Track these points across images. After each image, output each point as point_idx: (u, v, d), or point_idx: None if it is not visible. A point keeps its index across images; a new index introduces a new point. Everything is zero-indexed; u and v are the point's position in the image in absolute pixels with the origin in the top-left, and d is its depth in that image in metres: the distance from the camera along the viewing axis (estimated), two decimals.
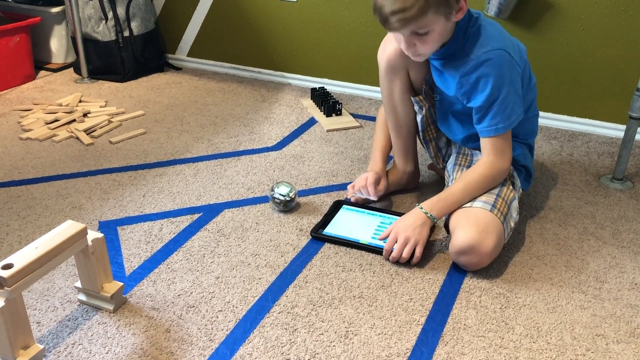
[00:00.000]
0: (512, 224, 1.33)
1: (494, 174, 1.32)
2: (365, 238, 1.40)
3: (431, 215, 1.32)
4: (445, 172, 1.51)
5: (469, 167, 1.43)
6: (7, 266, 0.98)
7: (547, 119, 2.06)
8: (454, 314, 1.18)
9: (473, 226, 1.25)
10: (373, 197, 1.50)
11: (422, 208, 1.33)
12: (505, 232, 1.30)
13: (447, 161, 1.55)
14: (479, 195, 1.32)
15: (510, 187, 1.37)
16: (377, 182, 1.50)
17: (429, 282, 1.27)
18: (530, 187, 1.54)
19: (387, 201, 1.58)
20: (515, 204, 1.36)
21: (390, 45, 1.43)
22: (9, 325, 0.99)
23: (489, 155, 1.33)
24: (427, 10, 1.18)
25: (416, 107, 1.47)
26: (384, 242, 1.37)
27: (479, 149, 1.38)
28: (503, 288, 1.26)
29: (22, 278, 0.99)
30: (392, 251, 1.32)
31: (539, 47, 1.99)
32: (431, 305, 1.21)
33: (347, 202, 1.56)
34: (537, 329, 1.15)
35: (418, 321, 1.17)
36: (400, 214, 1.48)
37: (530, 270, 1.32)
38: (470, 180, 1.32)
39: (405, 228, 1.32)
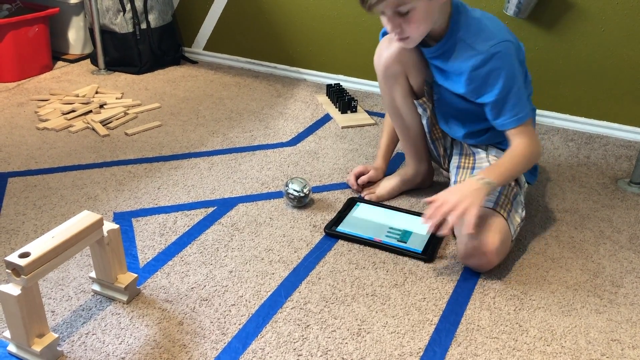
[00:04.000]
0: (519, 220, 1.32)
1: (532, 152, 1.29)
2: (379, 236, 1.39)
3: (489, 181, 1.22)
4: (450, 174, 1.50)
5: (473, 168, 1.42)
6: (24, 255, 0.99)
7: (564, 121, 2.04)
8: (467, 315, 1.18)
9: (475, 228, 1.23)
10: (354, 187, 1.59)
11: (474, 175, 1.25)
12: (512, 228, 1.29)
13: (450, 162, 1.55)
14: (523, 172, 1.31)
15: (512, 182, 1.36)
16: (360, 174, 1.59)
17: (442, 282, 1.27)
18: (536, 180, 1.53)
19: (402, 199, 1.58)
20: (520, 199, 1.35)
21: (386, 52, 1.42)
22: (25, 313, 0.99)
23: (522, 138, 1.29)
24: None
25: (420, 110, 1.46)
26: (398, 241, 1.37)
27: (481, 147, 1.38)
28: (517, 290, 1.25)
29: (38, 267, 0.99)
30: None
31: (558, 47, 1.97)
32: (444, 305, 1.20)
33: (362, 199, 1.55)
34: (551, 332, 1.14)
35: (431, 321, 1.16)
36: (416, 213, 1.48)
37: (545, 272, 1.31)
38: (515, 154, 1.28)
39: (456, 190, 1.21)
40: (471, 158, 1.46)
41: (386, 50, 1.41)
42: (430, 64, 1.40)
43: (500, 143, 1.44)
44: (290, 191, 1.50)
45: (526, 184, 1.45)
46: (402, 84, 1.44)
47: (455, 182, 1.42)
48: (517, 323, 1.16)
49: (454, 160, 1.49)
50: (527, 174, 1.45)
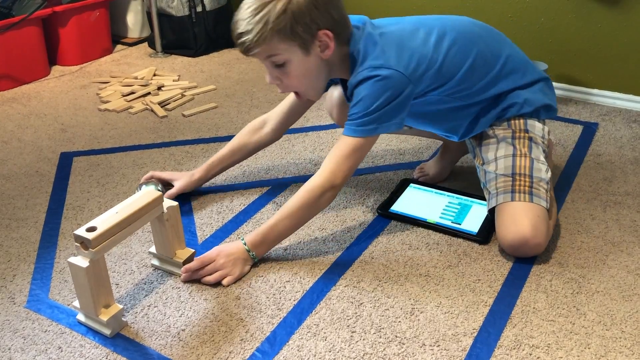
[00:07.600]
0: (545, 186, 1.25)
1: (317, 195, 1.21)
2: (433, 217, 1.39)
3: (253, 255, 1.24)
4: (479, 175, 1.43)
5: (484, 164, 1.34)
6: (91, 229, 1.04)
7: (627, 101, 1.97)
8: (523, 297, 1.16)
9: (510, 226, 1.22)
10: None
11: (245, 244, 1.23)
12: (542, 202, 1.24)
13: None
14: (307, 220, 1.25)
15: (525, 149, 1.28)
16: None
17: (497, 264, 1.26)
18: (555, 113, 1.39)
19: (456, 181, 1.56)
20: (538, 165, 1.27)
21: (327, 103, 1.49)
22: (93, 285, 1.04)
23: (326, 165, 1.22)
24: (268, 36, 1.14)
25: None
26: (452, 222, 1.36)
27: (488, 140, 1.33)
28: (575, 273, 1.23)
29: (104, 240, 1.04)
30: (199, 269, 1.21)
31: (621, 24, 1.89)
32: (499, 287, 1.19)
33: (415, 180, 1.55)
34: (610, 317, 1.11)
35: (486, 302, 1.15)
36: (468, 194, 1.46)
37: (605, 256, 1.27)
38: (290, 211, 1.22)
39: (227, 254, 1.22)
40: (479, 158, 1.36)
41: (328, 99, 1.48)
42: None
43: (499, 118, 1.33)
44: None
45: (546, 128, 1.34)
46: None
47: (484, 184, 1.33)
48: (574, 306, 1.14)
49: (475, 160, 1.40)
50: (542, 112, 1.33)
